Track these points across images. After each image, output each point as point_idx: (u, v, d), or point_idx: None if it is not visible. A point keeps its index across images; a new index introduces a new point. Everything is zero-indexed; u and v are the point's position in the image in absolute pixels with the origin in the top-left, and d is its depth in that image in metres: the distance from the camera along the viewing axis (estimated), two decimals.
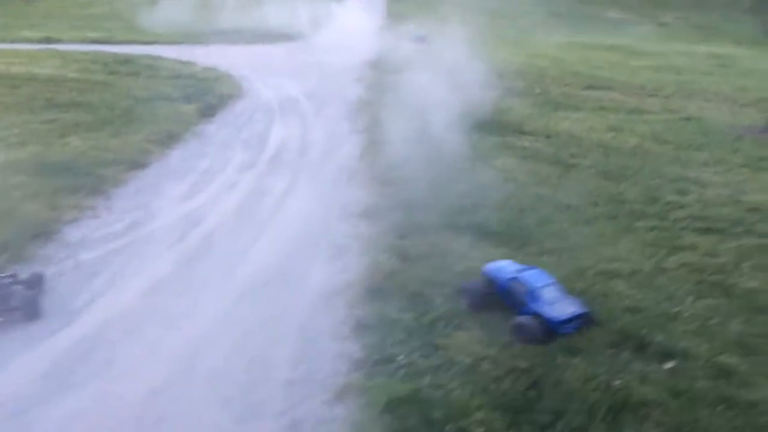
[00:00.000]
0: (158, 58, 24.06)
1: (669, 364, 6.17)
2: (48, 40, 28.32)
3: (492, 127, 14.95)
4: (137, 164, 11.11)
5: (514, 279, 6.99)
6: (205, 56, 24.94)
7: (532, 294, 6.87)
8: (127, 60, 22.80)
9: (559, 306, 6.80)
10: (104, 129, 12.86)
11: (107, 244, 8.35)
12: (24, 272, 7.03)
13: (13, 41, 27.44)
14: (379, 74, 22.45)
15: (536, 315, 6.63)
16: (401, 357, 6.16)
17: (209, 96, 17.14)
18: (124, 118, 13.94)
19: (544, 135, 14.60)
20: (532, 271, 7.13)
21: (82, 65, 21.18)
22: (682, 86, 24.41)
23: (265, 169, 11.68)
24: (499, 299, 6.98)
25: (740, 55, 33.50)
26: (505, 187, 10.70)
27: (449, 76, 22.47)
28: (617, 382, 5.79)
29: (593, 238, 8.93)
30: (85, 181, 9.92)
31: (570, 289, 7.33)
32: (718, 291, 7.62)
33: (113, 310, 6.93)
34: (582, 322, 6.73)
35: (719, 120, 17.55)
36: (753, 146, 14.45)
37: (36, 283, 6.94)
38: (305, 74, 22.27)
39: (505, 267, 7.24)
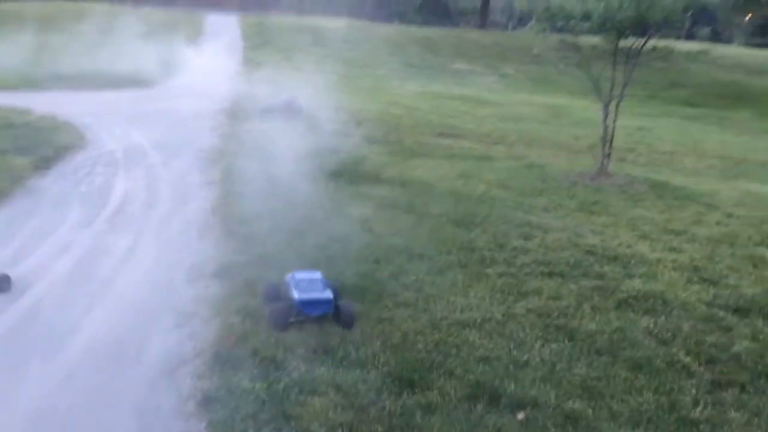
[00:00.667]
0: None
1: (520, 415, 6.26)
2: None
3: (349, 177, 15.02)
4: None
5: (289, 279, 8.01)
6: (44, 103, 23.18)
7: (291, 285, 7.87)
8: None
9: (309, 293, 7.77)
10: None
11: None
12: None
13: None
14: (233, 122, 22.02)
15: (287, 299, 7.75)
16: None
17: (45, 147, 15.78)
18: None
19: (399, 183, 14.88)
20: (306, 272, 8.22)
21: None
22: (523, 134, 26.26)
23: (105, 227, 10.77)
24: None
25: (573, 105, 36.82)
26: (361, 237, 10.67)
27: (306, 124, 22.57)
28: None
29: (446, 287, 9.08)
30: None
31: (426, 342, 7.39)
32: (562, 334, 7.95)
33: None
34: (333, 309, 7.76)
35: (557, 166, 18.94)
36: (586, 191, 15.65)
37: None
38: (154, 122, 21.32)
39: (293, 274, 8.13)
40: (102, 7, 64.27)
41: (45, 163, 14.52)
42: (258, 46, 50.57)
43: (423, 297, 8.70)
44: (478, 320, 8.12)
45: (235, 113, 23.89)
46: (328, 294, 7.84)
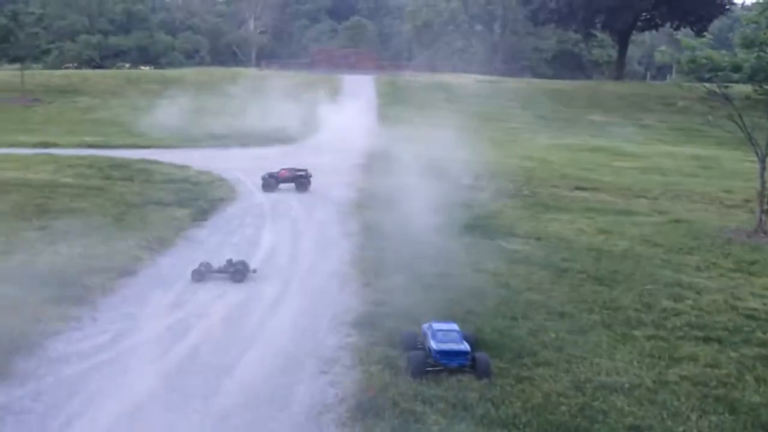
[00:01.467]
0: (153, 162, 24.47)
1: None
2: (44, 145, 28.90)
3: (484, 231, 15.01)
4: (126, 272, 10.95)
5: (426, 328, 8.42)
6: (199, 160, 25.40)
7: (429, 335, 8.21)
8: (122, 165, 23.14)
9: (447, 344, 8.01)
10: (95, 236, 12.76)
11: (88, 358, 8.05)
12: None
13: (9, 146, 27.93)
14: (371, 178, 22.83)
15: (425, 349, 8.18)
16: None
17: (201, 200, 17.28)
18: (116, 224, 13.94)
19: (534, 237, 14.63)
20: (443, 323, 8.47)
21: (76, 170, 21.46)
22: (668, 187, 24.89)
23: (255, 276, 11.54)
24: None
25: (723, 156, 34.49)
26: (498, 293, 10.57)
27: (440, 178, 22.89)
28: None
29: (590, 348, 8.71)
30: (72, 291, 9.71)
31: (570, 405, 7.11)
32: (722, 406, 7.33)
33: None
34: (469, 361, 7.95)
35: (707, 222, 17.73)
36: (743, 250, 14.50)
37: None
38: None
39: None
40: (250, 72, 70.03)
41: (201, 215, 15.83)
42: (392, 103, 52.45)
43: (564, 357, 8.40)
44: (627, 385, 7.69)
45: (371, 168, 24.75)
46: (465, 346, 8.02)
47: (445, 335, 8.12)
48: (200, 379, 7.69)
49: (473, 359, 7.91)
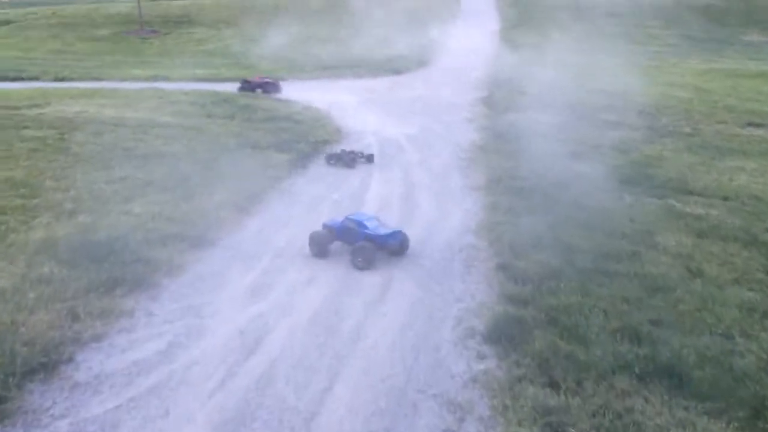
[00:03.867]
0: (258, 96, 22.71)
1: None
2: (155, 78, 28.03)
3: (646, 184, 11.77)
4: (203, 241, 8.88)
5: (345, 220, 9.05)
6: (305, 92, 23.36)
7: (361, 226, 8.91)
8: (226, 100, 21.49)
9: (381, 229, 8.91)
10: (178, 189, 10.91)
11: (129, 386, 5.95)
12: None
13: (122, 79, 27.13)
14: (492, 114, 19.73)
15: (367, 238, 8.72)
16: None
17: (303, 143, 15.07)
18: (206, 173, 12.03)
19: (718, 196, 11.21)
20: (356, 214, 9.34)
21: (177, 107, 19.99)
22: None
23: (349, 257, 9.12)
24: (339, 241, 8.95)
25: None
26: (690, 287, 7.57)
27: (578, 112, 19.42)
28: None
29: None
30: (131, 271, 7.74)
31: None
32: None
33: None
34: (400, 237, 8.85)
35: None
36: None
37: None
38: (411, 113, 19.95)
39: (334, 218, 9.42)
40: None
41: (302, 161, 13.69)
42: (515, 26, 47.68)
43: None
44: None
45: (493, 104, 21.59)
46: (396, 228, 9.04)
47: (371, 224, 9.00)
48: (277, 422, 5.50)
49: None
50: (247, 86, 23.49)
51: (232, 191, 10.94)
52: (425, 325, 6.94)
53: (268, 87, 23.45)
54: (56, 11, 57.75)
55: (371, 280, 8.09)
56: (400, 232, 8.83)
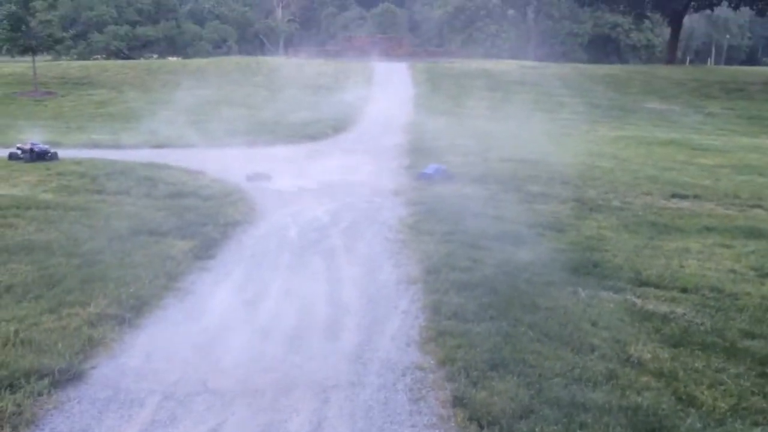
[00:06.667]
0: (162, 167, 20.53)
1: None
2: (45, 145, 25.27)
3: (597, 274, 10.57)
4: (68, 376, 6.54)
5: None
6: (214, 162, 21.47)
7: None
8: (123, 171, 19.23)
9: None
10: (44, 297, 8.67)
11: None
12: None
13: (6, 146, 24.20)
14: (420, 185, 18.52)
15: None
16: None
17: (211, 225, 13.11)
18: (84, 271, 9.80)
19: (676, 288, 10.10)
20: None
21: (64, 181, 17.56)
22: None
23: (272, 396, 7.16)
24: None
25: None
26: (688, 424, 6.15)
27: (503, 183, 18.56)
28: None
29: None
30: None
31: None
32: None
33: None
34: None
35: None
36: None
37: None
38: (330, 186, 18.44)
39: None
40: (277, 60, 66.14)
41: (207, 249, 11.67)
42: (430, 92, 47.99)
43: None
44: None
45: (416, 172, 20.53)
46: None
47: None
48: None
49: None
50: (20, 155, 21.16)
51: (115, 296, 8.78)
52: None
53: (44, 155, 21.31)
54: None
55: (293, 427, 6.19)
56: None
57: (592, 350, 7.60)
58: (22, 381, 6.38)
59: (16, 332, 7.45)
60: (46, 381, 6.49)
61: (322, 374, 7.16)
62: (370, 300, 9.57)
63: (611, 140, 33.96)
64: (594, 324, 8.44)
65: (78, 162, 20.94)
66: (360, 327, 8.48)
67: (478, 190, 18.35)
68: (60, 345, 7.20)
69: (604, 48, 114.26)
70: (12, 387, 6.29)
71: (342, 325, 8.55)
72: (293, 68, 55.93)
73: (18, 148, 21.63)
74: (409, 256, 11.69)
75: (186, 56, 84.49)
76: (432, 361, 7.38)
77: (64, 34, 51.70)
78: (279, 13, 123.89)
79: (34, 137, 25.55)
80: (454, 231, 13.17)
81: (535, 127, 35.89)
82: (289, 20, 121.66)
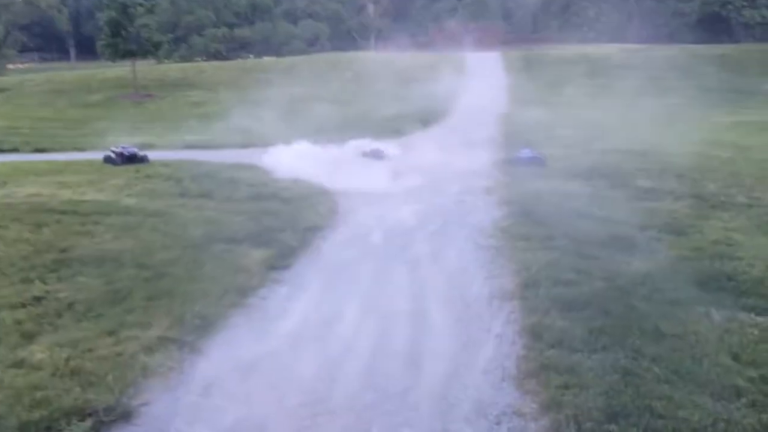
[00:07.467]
0: (247, 167, 20.13)
1: None
2: (141, 147, 25.65)
3: (731, 290, 8.82)
4: (115, 416, 5.75)
5: None
6: (300, 159, 20.78)
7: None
8: (208, 173, 18.96)
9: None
10: (106, 314, 8.06)
11: None
12: None
13: (105, 149, 24.72)
14: (516, 182, 16.99)
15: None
16: None
17: (289, 231, 12.34)
18: (150, 285, 9.21)
19: None
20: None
21: (149, 184, 17.44)
22: None
23: (351, 416, 6.24)
24: None
25: None
26: None
27: (609, 178, 16.72)
28: None
29: None
30: None
31: None
32: None
33: None
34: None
35: None
36: None
37: None
38: (418, 185, 17.26)
39: None
40: (368, 55, 65.72)
41: (283, 259, 10.83)
42: (526, 82, 45.79)
43: None
44: None
45: (512, 170, 18.98)
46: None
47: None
48: None
49: None
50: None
51: (178, 315, 8.07)
52: None
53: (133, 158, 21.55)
54: (51, 77, 56.61)
55: None
56: None
57: (738, 395, 6.04)
58: (62, 423, 5.65)
59: (68, 360, 6.80)
60: (88, 423, 5.73)
61: (400, 418, 6.04)
62: (458, 320, 8.35)
63: (728, 126, 30.81)
64: (736, 358, 6.82)
65: (166, 164, 20.93)
66: (446, 356, 7.28)
67: (580, 185, 16.62)
68: (111, 377, 6.46)
69: (713, 27, 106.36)
70: (48, 431, 5.57)
71: (425, 353, 7.38)
72: (383, 62, 55.14)
73: (111, 151, 22.05)
74: (503, 266, 10.35)
75: (281, 55, 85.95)
76: (533, 405, 6.07)
77: (163, 38, 53.46)
78: (370, 8, 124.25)
79: (134, 139, 26.06)
80: (554, 235, 11.68)
81: (642, 114, 33.13)
82: (380, 15, 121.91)
